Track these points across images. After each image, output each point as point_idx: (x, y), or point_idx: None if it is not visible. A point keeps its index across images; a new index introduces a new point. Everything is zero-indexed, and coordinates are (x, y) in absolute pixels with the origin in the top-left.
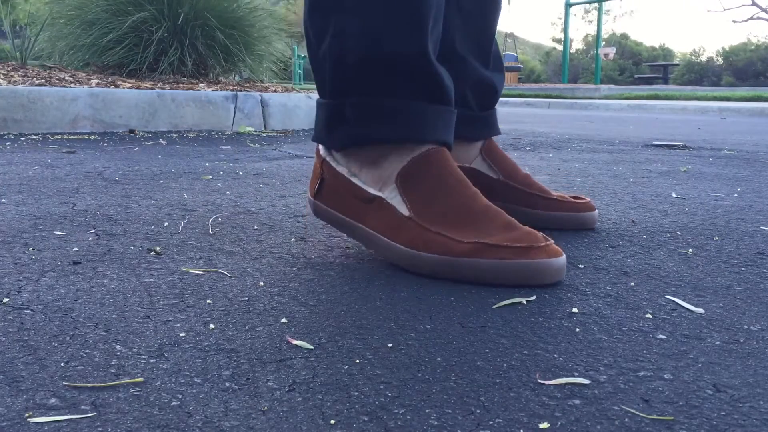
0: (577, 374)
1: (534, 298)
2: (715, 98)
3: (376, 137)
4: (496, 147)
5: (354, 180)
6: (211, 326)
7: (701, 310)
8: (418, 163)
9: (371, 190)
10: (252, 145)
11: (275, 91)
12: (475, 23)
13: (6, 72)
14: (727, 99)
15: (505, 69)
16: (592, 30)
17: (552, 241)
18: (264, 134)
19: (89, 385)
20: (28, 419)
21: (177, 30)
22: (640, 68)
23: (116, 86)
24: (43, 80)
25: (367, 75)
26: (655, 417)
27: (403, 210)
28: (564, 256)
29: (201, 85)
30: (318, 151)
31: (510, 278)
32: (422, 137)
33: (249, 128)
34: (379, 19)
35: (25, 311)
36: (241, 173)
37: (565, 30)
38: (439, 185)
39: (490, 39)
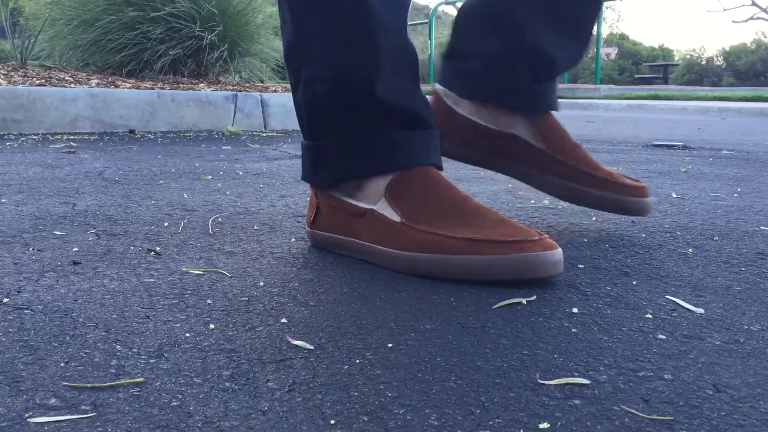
0: (577, 374)
1: (534, 298)
2: (715, 98)
3: (360, 172)
4: (551, 118)
5: (346, 199)
6: (211, 326)
7: (701, 310)
8: (405, 176)
9: (362, 205)
10: (252, 145)
11: (275, 91)
12: None
13: (6, 72)
14: (727, 99)
15: None
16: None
17: (546, 236)
18: (264, 134)
19: (89, 385)
20: (28, 419)
21: (175, 29)
22: (640, 68)
23: (116, 86)
24: (43, 80)
25: (340, 117)
26: (655, 417)
27: (395, 217)
28: (560, 250)
29: (201, 85)
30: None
31: (506, 273)
32: (407, 163)
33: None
34: (342, 65)
35: (25, 311)
36: (241, 173)
37: None
38: (427, 192)
39: (577, 8)
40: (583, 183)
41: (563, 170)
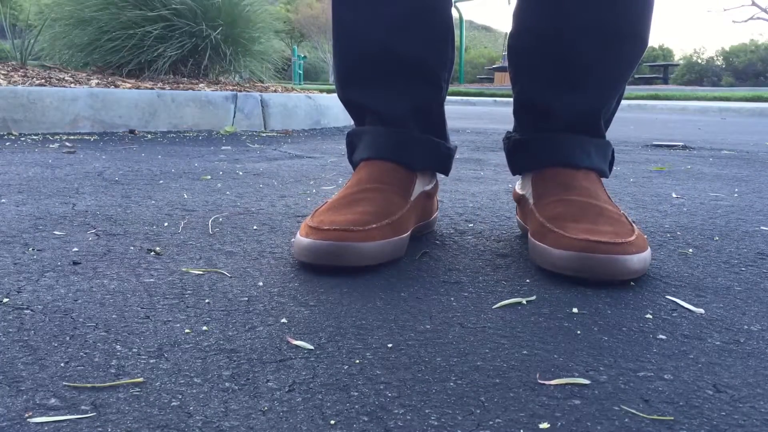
0: (577, 374)
1: (534, 298)
2: (715, 98)
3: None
4: (552, 170)
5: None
6: (211, 326)
7: (701, 311)
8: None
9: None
10: (252, 145)
11: (275, 91)
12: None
13: (6, 72)
14: (727, 99)
15: (504, 70)
16: None
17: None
18: (264, 134)
19: (89, 385)
20: (28, 419)
21: (175, 27)
22: (640, 68)
23: (116, 86)
24: (43, 80)
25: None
26: (655, 417)
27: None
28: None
29: (201, 85)
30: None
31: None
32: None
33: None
34: (335, 71)
35: (25, 311)
36: (241, 173)
37: None
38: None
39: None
40: (536, 238)
41: (533, 226)
